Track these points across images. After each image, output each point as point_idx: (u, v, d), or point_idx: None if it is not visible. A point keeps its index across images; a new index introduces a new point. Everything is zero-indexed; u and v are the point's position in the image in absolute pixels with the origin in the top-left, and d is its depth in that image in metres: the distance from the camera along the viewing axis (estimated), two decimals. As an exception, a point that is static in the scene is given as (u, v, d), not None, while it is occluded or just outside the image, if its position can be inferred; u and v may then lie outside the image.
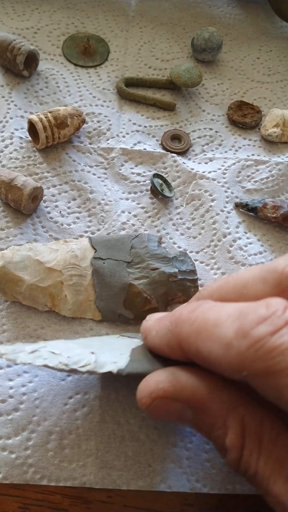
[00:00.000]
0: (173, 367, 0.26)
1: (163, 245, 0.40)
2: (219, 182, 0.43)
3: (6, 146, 0.43)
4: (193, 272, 0.37)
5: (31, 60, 0.48)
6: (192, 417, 0.25)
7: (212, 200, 0.42)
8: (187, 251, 0.40)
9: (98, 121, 0.46)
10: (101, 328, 0.36)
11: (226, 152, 0.46)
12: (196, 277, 0.37)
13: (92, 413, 0.32)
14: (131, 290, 0.36)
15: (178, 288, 0.37)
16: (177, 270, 0.37)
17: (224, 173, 0.44)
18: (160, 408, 0.25)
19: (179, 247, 0.40)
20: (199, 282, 0.38)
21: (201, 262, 0.40)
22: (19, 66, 0.47)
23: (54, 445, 0.31)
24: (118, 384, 0.33)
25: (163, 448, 0.31)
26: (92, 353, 0.28)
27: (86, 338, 0.33)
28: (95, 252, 0.37)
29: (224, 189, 0.43)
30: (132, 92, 0.48)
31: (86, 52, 0.51)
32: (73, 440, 0.31)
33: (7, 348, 0.28)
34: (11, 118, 0.45)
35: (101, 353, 0.28)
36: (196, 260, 0.40)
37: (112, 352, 0.29)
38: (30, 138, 0.44)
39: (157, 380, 0.25)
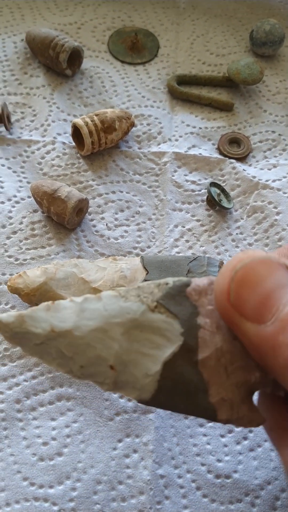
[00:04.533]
0: None
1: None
2: (284, 193, 0.38)
3: (48, 152, 0.40)
4: None
5: (75, 57, 0.44)
6: None
7: (277, 213, 0.38)
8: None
9: (148, 124, 0.42)
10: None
11: (291, 157, 0.41)
12: None
13: (144, 460, 0.28)
14: None
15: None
16: None
17: (290, 182, 0.39)
18: (263, 270, 0.20)
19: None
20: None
21: (266, 284, 0.35)
22: (62, 64, 0.43)
23: (101, 496, 0.27)
24: (176, 424, 0.29)
25: (227, 504, 0.27)
26: (112, 367, 0.21)
27: None
28: (146, 274, 0.32)
29: (291, 200, 0.38)
30: (185, 91, 0.44)
31: (134, 47, 0.47)
32: (123, 491, 0.27)
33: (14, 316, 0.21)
34: (53, 121, 0.41)
35: (124, 366, 0.22)
36: (259, 282, 0.35)
37: (140, 360, 0.22)
38: (74, 144, 0.40)
39: None
